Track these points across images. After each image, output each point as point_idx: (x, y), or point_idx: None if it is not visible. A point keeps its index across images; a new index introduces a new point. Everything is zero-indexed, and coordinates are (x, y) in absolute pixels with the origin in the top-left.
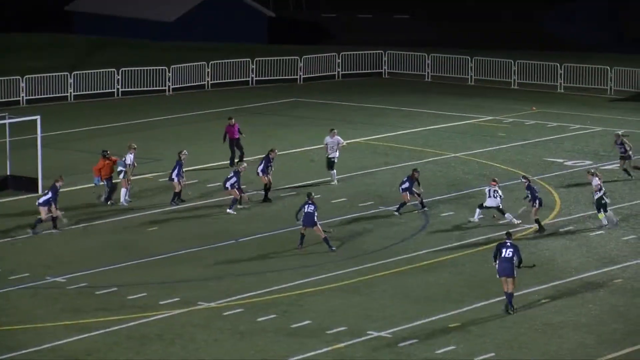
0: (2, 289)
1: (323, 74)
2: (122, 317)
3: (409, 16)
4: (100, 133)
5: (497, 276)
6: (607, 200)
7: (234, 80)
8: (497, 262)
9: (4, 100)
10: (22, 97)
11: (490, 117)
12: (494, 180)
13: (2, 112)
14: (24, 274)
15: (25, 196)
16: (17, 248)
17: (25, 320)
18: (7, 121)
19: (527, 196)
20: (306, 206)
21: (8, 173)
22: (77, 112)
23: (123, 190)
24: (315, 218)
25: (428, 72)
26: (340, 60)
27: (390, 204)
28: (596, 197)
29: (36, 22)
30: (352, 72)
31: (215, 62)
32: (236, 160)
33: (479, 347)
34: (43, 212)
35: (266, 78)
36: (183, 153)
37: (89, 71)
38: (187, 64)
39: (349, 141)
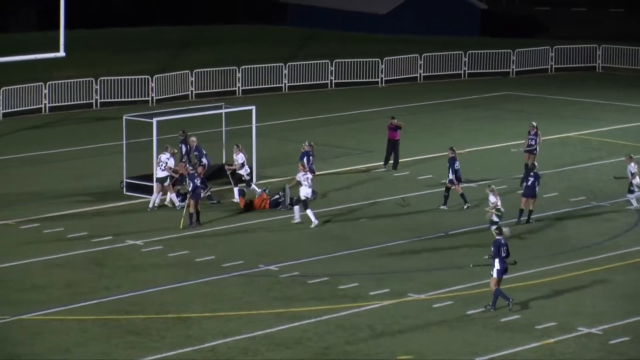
0: (217, 276)
1: (536, 68)
2: (333, 307)
3: (624, 10)
4: (313, 124)
5: (498, 275)
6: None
7: (446, 72)
8: (499, 261)
9: (221, 90)
10: (238, 87)
11: None
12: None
13: (219, 102)
14: (237, 262)
15: (239, 185)
16: (230, 236)
17: (239, 307)
18: (223, 111)
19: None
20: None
21: (223, 162)
22: (291, 103)
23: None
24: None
25: None
26: (553, 54)
27: (602, 199)
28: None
29: (251, 13)
30: (565, 65)
31: (427, 54)
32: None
33: None
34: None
35: (478, 71)
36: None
37: (303, 62)
38: (400, 57)
39: (559, 135)
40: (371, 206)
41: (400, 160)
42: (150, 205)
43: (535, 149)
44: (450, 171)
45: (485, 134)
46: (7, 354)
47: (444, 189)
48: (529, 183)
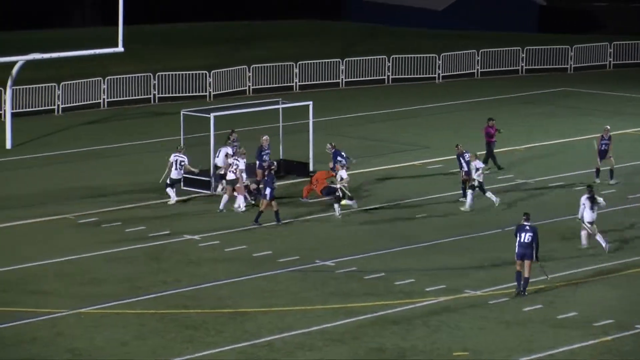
0: (273, 271)
1: (594, 64)
2: (389, 302)
3: None
4: (370, 119)
5: (515, 258)
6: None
7: (503, 68)
8: (517, 245)
9: (278, 85)
10: (295, 82)
11: None
12: None
13: (276, 98)
14: (294, 257)
15: (295, 180)
16: (287, 232)
17: (295, 303)
18: (280, 106)
19: None
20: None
21: (280, 157)
22: (347, 98)
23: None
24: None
25: None
26: (612, 50)
27: None
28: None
29: (308, 9)
30: (624, 62)
31: (485, 50)
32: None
33: None
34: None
35: (536, 67)
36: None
37: (360, 58)
38: (457, 52)
39: (617, 132)
40: (427, 202)
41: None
42: (221, 207)
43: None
44: (464, 165)
45: (543, 130)
46: (65, 347)
47: (461, 182)
48: None
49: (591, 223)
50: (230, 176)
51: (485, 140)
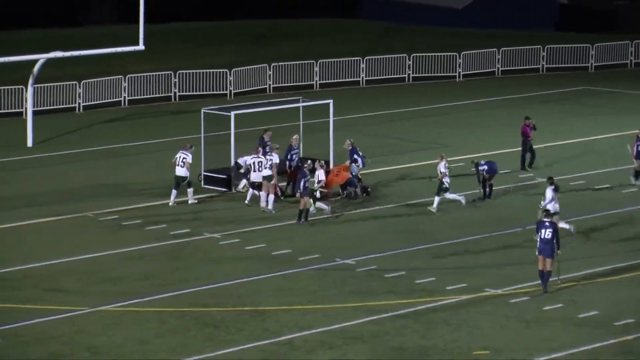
0: (293, 269)
1: (615, 62)
2: (410, 301)
3: None
4: (390, 118)
5: (536, 254)
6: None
7: (524, 67)
8: (538, 241)
9: (299, 84)
10: (316, 81)
11: None
12: None
13: (296, 96)
14: (314, 255)
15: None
16: (307, 230)
17: (315, 301)
18: (300, 104)
19: None
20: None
21: (301, 155)
22: (368, 97)
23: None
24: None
25: None
26: (632, 49)
27: None
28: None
29: (328, 7)
30: None
31: (505, 49)
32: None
33: None
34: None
35: (557, 66)
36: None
37: (381, 56)
38: (477, 51)
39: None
40: (447, 200)
41: (476, 154)
42: (262, 204)
43: None
44: (482, 169)
45: (563, 129)
46: (85, 345)
47: (482, 180)
48: None
49: (555, 214)
50: (265, 172)
51: (522, 140)
